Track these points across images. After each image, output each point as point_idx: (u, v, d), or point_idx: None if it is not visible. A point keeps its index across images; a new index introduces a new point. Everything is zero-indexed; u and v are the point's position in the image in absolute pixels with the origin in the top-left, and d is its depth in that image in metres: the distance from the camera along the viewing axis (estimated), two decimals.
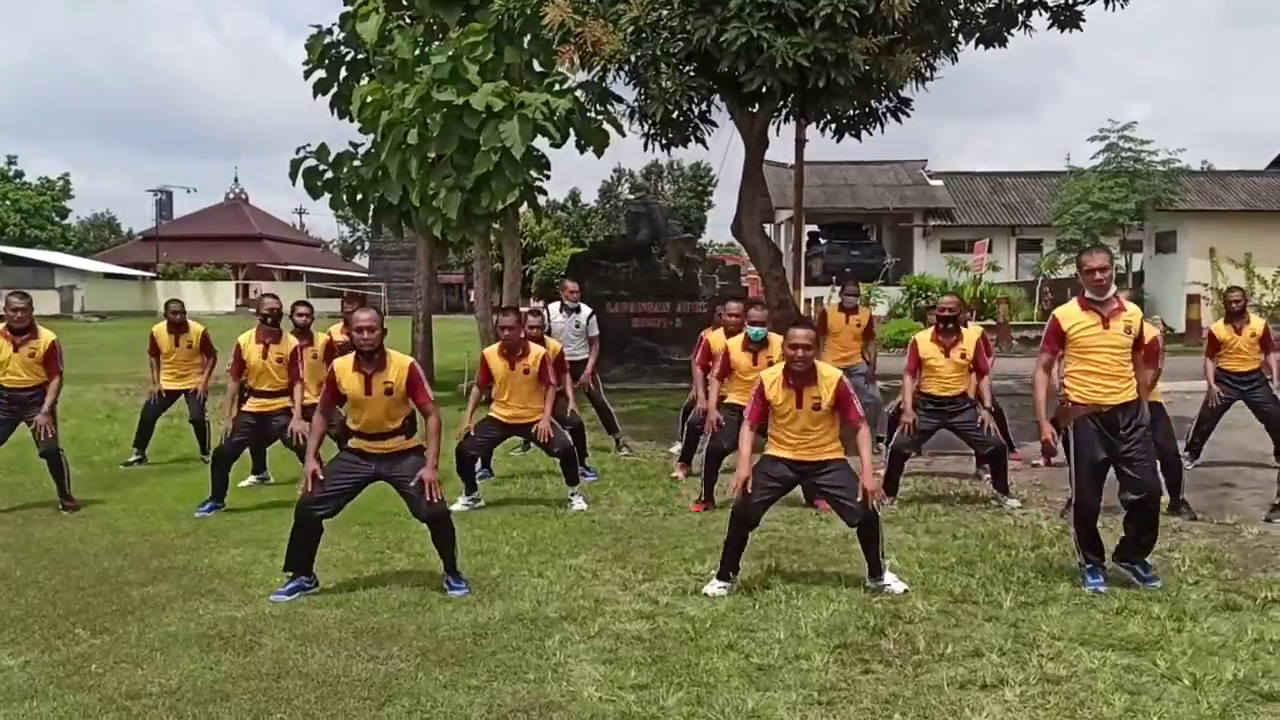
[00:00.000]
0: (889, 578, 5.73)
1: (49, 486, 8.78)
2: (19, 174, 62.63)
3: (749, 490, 5.75)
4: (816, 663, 4.64)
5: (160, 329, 10.10)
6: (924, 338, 8.24)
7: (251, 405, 8.07)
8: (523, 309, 8.83)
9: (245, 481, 8.88)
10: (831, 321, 10.39)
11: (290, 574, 5.79)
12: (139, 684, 4.51)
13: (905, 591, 5.56)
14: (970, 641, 4.88)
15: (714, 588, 5.72)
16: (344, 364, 5.85)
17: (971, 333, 8.39)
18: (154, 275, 57.39)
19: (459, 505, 7.56)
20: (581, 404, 11.77)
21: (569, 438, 8.22)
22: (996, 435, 8.14)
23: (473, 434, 7.99)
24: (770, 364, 7.57)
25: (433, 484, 5.68)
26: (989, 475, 8.38)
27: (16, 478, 9.17)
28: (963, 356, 8.06)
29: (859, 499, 5.64)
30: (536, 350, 8.09)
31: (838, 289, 12.19)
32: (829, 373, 5.87)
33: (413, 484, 5.69)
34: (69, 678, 4.60)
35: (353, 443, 5.90)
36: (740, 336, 8.38)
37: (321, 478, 5.71)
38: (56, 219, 63.46)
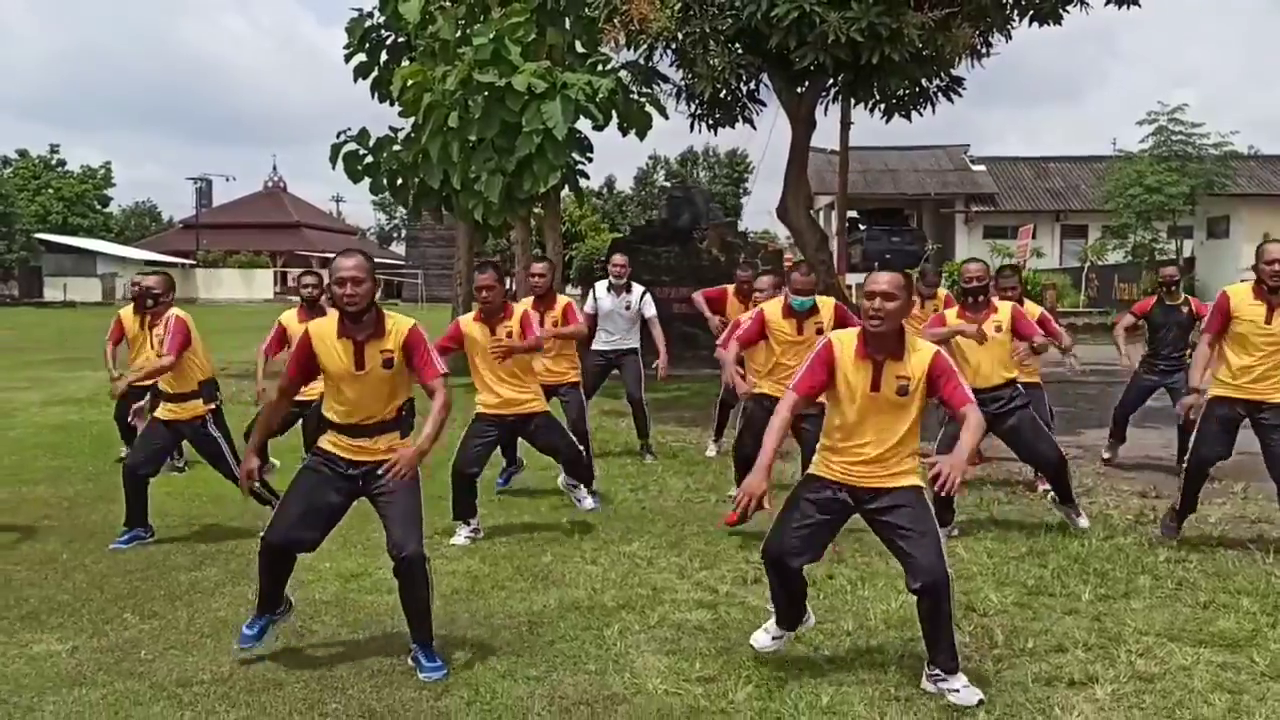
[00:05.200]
0: (959, 681, 3.99)
1: (94, 469, 8.79)
2: (61, 162, 63.46)
3: (771, 509, 4.05)
4: (890, 656, 4.42)
5: (127, 312, 8.72)
6: (950, 315, 6.78)
7: (161, 412, 6.55)
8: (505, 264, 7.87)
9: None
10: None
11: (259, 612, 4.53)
12: (190, 671, 4.37)
13: (980, 703, 3.93)
14: (1051, 636, 4.64)
15: (764, 639, 4.39)
16: (324, 328, 4.37)
17: (1006, 306, 6.78)
18: (194, 263, 57.93)
19: (460, 538, 6.42)
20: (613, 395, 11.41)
21: (575, 442, 6.89)
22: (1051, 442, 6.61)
23: (463, 448, 6.58)
24: (819, 333, 6.32)
25: (405, 463, 4.14)
26: (1045, 484, 7.16)
27: (62, 461, 9.16)
28: (998, 330, 6.50)
29: (935, 553, 3.96)
30: (518, 309, 6.67)
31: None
32: (923, 345, 4.13)
33: (395, 508, 4.30)
34: (118, 664, 4.47)
35: (328, 441, 4.44)
36: (778, 301, 6.74)
37: (258, 481, 4.56)
38: (98, 207, 64.22)
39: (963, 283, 6.73)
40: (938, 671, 4.02)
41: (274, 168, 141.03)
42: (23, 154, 62.07)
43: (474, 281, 6.52)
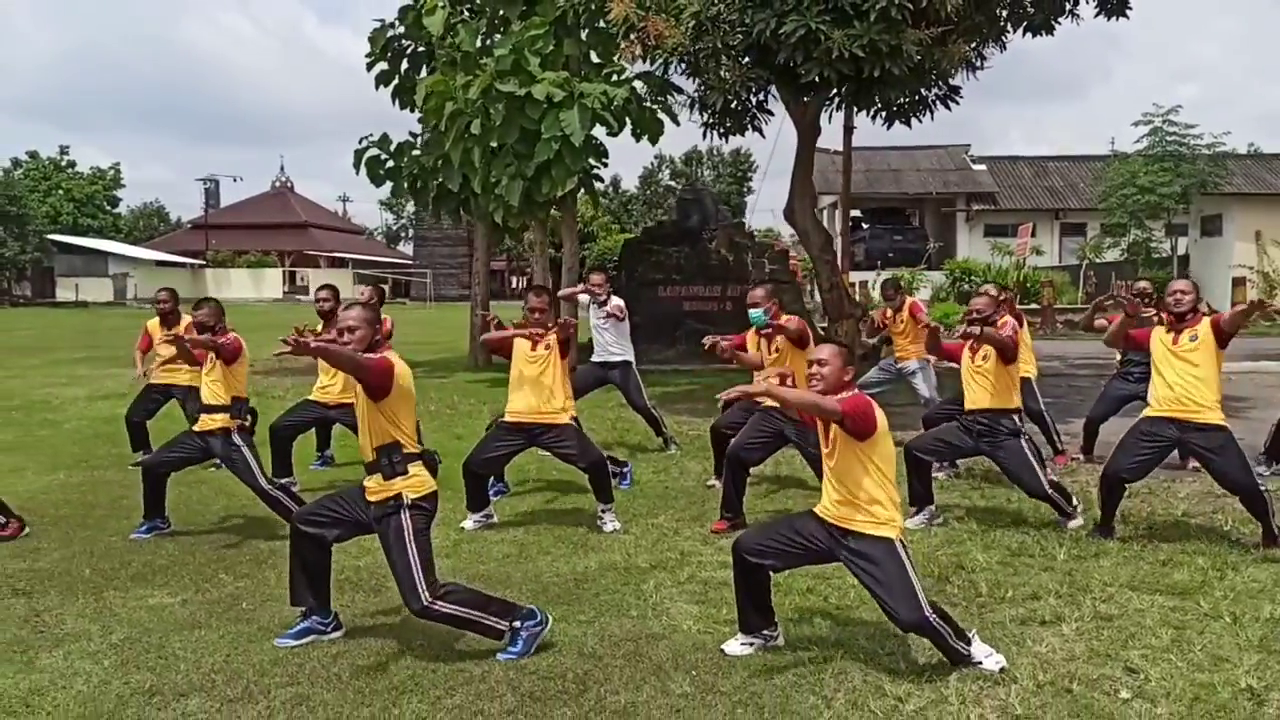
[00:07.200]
0: (979, 649, 4.37)
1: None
2: (71, 164, 64.21)
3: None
4: None
5: (154, 323, 9.44)
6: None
7: (200, 423, 6.83)
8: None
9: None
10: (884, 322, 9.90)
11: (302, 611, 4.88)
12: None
13: (1002, 670, 4.28)
14: (1028, 587, 5.38)
15: (735, 646, 4.61)
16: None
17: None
18: (203, 263, 58.67)
19: (468, 524, 6.89)
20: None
21: (599, 451, 7.04)
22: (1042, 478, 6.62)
23: (479, 447, 6.93)
24: (777, 353, 7.18)
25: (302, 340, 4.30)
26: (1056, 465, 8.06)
27: (122, 449, 9.81)
28: (985, 359, 6.69)
29: (906, 604, 4.21)
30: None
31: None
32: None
33: (391, 562, 4.59)
34: (225, 612, 5.21)
35: None
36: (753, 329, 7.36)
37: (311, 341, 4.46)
38: (108, 208, 64.97)
39: (965, 317, 6.81)
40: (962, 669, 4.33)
41: (281, 168, 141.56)
42: (33, 155, 62.92)
43: (528, 301, 6.96)
